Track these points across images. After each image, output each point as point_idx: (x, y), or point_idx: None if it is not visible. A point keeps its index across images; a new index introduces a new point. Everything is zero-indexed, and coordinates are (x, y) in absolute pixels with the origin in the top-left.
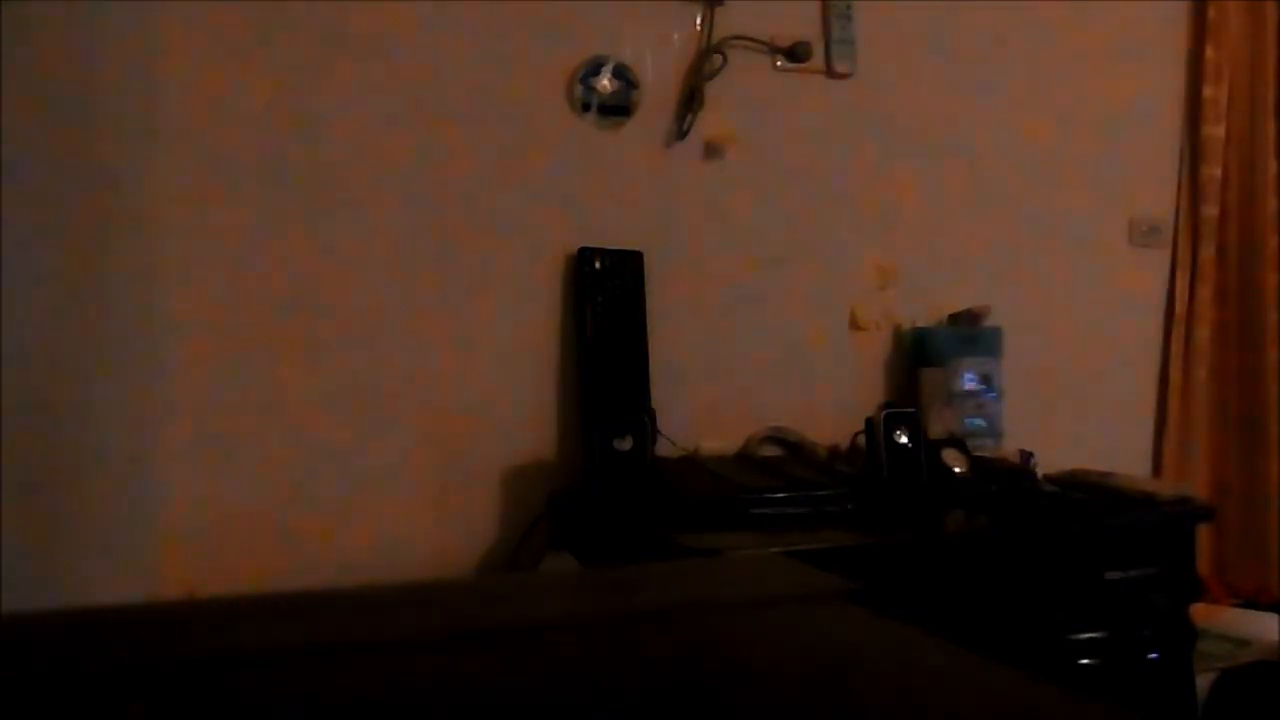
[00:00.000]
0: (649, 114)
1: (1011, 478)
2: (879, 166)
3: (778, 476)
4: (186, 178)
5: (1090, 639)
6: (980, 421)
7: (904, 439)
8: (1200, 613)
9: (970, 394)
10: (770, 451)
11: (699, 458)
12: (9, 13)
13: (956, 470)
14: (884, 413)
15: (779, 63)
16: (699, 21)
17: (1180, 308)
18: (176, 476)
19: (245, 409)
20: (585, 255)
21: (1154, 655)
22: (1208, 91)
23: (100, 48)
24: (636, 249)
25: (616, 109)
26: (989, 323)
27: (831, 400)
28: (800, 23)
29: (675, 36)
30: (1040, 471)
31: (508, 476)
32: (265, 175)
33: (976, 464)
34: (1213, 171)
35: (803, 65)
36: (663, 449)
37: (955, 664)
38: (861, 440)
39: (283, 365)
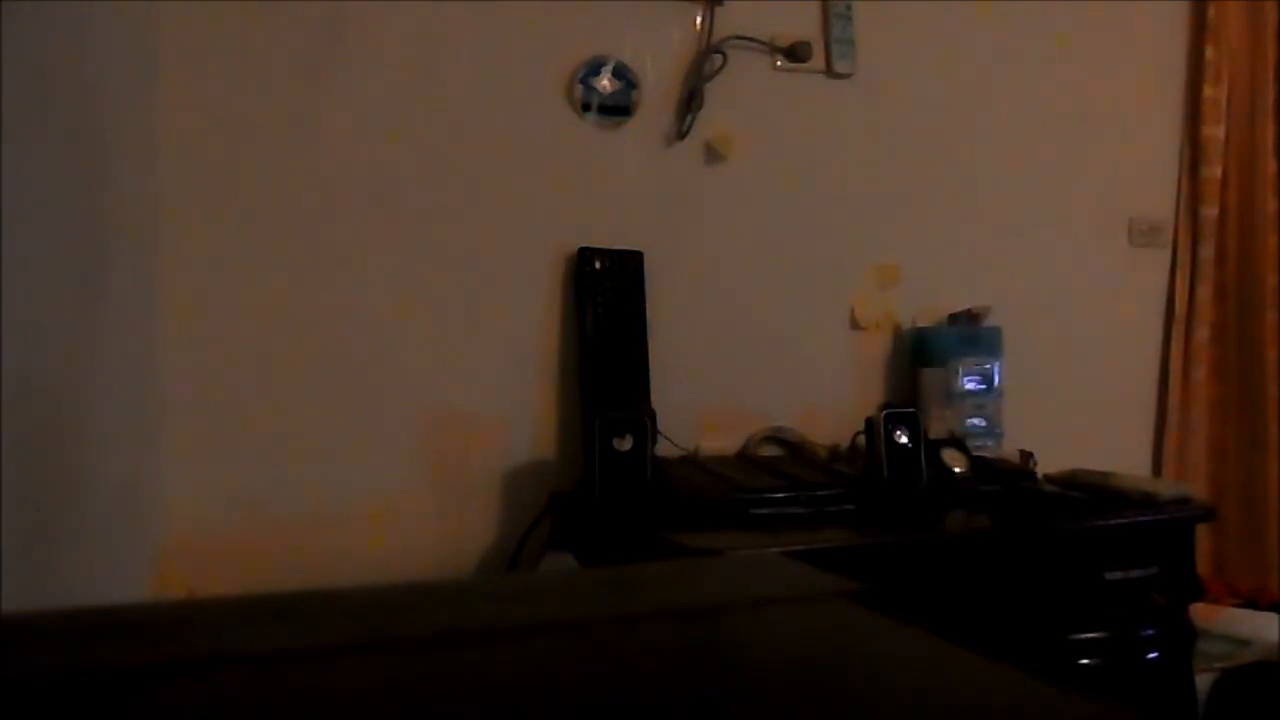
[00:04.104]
0: (649, 114)
1: (1011, 478)
2: (879, 166)
3: (778, 476)
4: (185, 180)
5: (1090, 639)
6: (980, 421)
7: (904, 439)
8: (1200, 613)
9: (970, 394)
10: (770, 451)
11: (699, 458)
12: (9, 13)
13: (956, 470)
14: (884, 413)
15: (779, 63)
16: (699, 21)
17: (1180, 308)
18: (176, 477)
19: (245, 409)
20: (585, 255)
21: (1154, 655)
22: (1208, 91)
23: (100, 50)
24: (636, 249)
25: (616, 109)
26: (989, 323)
27: (831, 400)
28: (800, 23)
29: (675, 36)
30: (1040, 471)
31: (508, 476)
32: (264, 177)
33: (976, 464)
34: (1212, 172)
35: (803, 65)
36: (663, 449)
37: (955, 664)
38: (861, 440)
39: (282, 366)
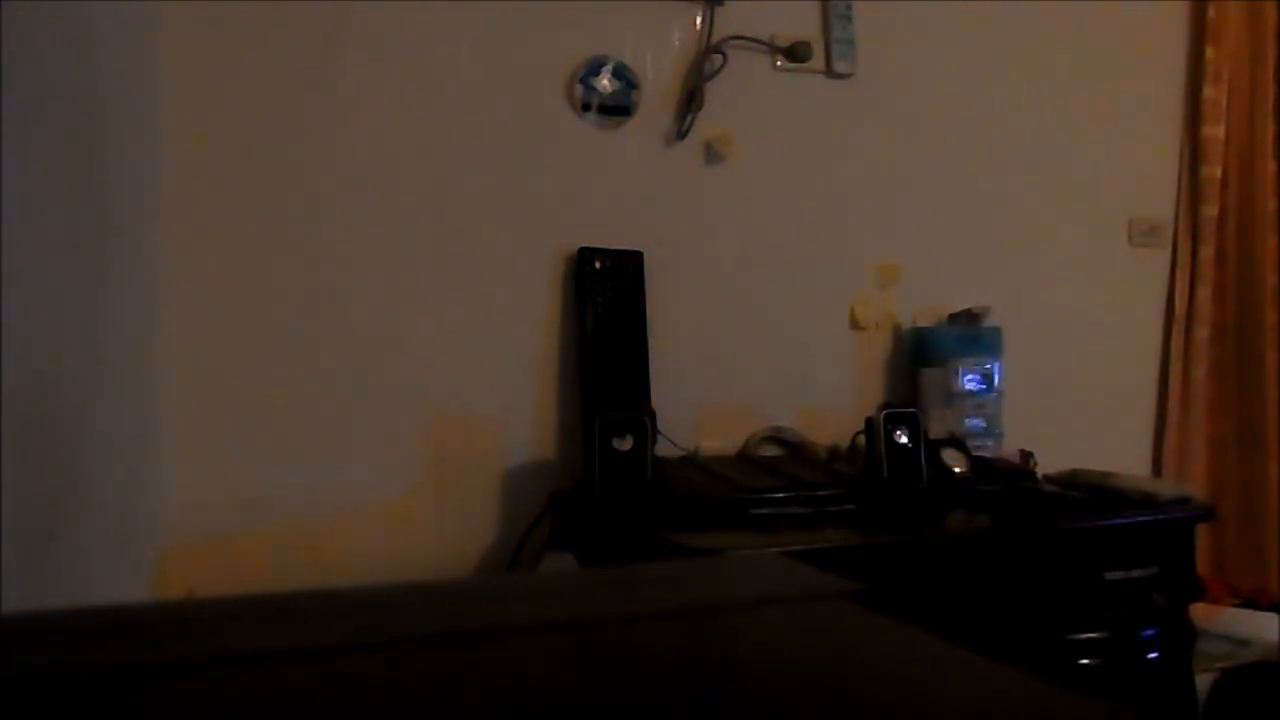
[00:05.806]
0: (649, 114)
1: (1011, 478)
2: (879, 166)
3: (778, 476)
4: (185, 179)
5: (1090, 639)
6: (980, 421)
7: (904, 439)
8: (1200, 613)
9: (970, 394)
10: (770, 451)
11: (699, 458)
12: (9, 13)
13: (956, 470)
14: (884, 413)
15: (779, 63)
16: (699, 21)
17: (1180, 308)
18: (176, 477)
19: (245, 409)
20: (585, 255)
21: (1154, 655)
22: (1208, 91)
23: (100, 50)
24: (636, 249)
25: (616, 109)
26: (989, 323)
27: (831, 400)
28: (800, 23)
29: (675, 36)
30: (1040, 471)
31: (508, 476)
32: (264, 177)
33: (976, 464)
34: (1212, 172)
35: (803, 65)
36: (663, 449)
37: (955, 664)
38: (861, 440)
39: (283, 365)
